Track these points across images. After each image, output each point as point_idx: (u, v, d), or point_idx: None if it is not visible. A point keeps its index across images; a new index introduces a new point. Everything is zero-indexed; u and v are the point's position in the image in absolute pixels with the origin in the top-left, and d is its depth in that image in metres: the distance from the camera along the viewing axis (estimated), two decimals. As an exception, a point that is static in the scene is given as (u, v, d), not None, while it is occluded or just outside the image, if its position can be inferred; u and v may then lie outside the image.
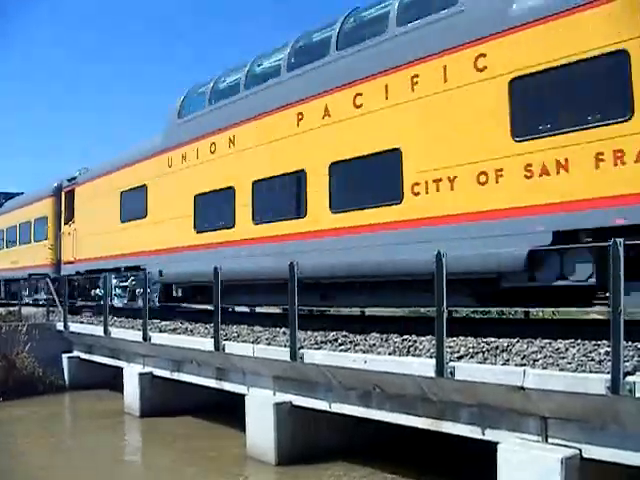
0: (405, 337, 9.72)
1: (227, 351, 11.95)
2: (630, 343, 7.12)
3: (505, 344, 8.29)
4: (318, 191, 11.36)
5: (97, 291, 19.02)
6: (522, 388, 7.24)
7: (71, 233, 21.07)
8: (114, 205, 18.06)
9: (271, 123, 12.53)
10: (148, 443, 13.43)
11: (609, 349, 6.75)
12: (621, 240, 6.68)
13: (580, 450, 7.01)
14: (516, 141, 8.64)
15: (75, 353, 19.41)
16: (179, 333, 14.33)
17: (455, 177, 9.29)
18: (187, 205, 14.70)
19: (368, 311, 14.28)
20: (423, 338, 9.39)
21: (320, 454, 10.52)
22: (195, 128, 14.81)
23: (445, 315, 8.20)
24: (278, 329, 12.05)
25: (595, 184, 7.84)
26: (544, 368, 7.24)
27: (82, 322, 19.25)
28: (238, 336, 12.44)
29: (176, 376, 14.33)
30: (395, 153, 10.12)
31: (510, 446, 7.45)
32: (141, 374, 15.17)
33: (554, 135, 8.23)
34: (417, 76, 9.93)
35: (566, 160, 8.07)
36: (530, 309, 11.13)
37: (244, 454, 11.16)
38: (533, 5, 8.65)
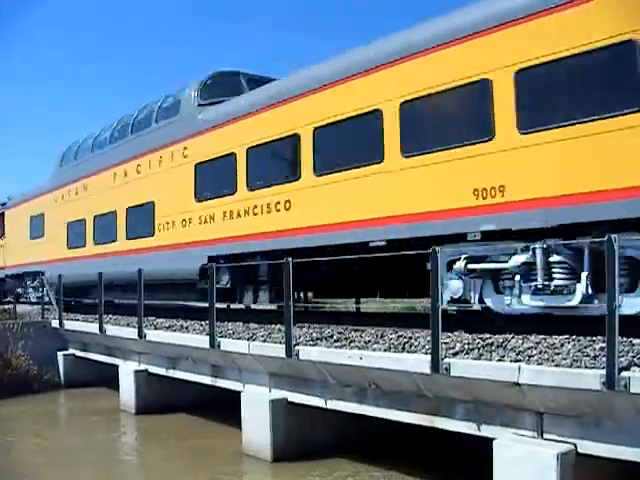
0: (400, 333, 9.71)
1: (222, 348, 11.94)
2: (625, 339, 7.12)
3: (500, 340, 8.29)
4: (121, 225, 17.57)
5: (19, 290, 25.43)
6: (517, 384, 7.25)
7: (3, 245, 27.18)
8: (26, 226, 24.31)
9: (102, 178, 18.82)
10: (143, 441, 13.40)
11: (604, 345, 6.76)
12: (616, 236, 6.70)
13: (575, 445, 7.03)
14: (196, 201, 14.44)
15: (70, 351, 19.38)
16: (174, 330, 14.31)
17: (174, 221, 15.24)
18: (63, 229, 21.09)
19: (363, 308, 14.33)
20: (418, 334, 9.38)
21: (316, 450, 10.53)
22: (67, 176, 21.23)
23: (440, 311, 8.21)
24: (274, 326, 12.03)
25: (222, 230, 13.61)
26: (539, 364, 7.25)
27: (77, 320, 19.22)
28: (233, 333, 12.43)
29: (172, 373, 14.31)
30: (152, 204, 16.10)
31: (505, 442, 7.47)
32: (137, 371, 15.16)
33: (209, 200, 14.04)
34: (162, 156, 15.87)
35: (213, 214, 13.86)
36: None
37: (240, 451, 11.16)
38: (206, 118, 14.49)
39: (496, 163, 8.77)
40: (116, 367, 16.11)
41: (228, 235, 13.41)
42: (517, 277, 8.71)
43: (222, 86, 15.48)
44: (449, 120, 9.53)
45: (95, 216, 18.98)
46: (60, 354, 19.25)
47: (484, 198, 8.90)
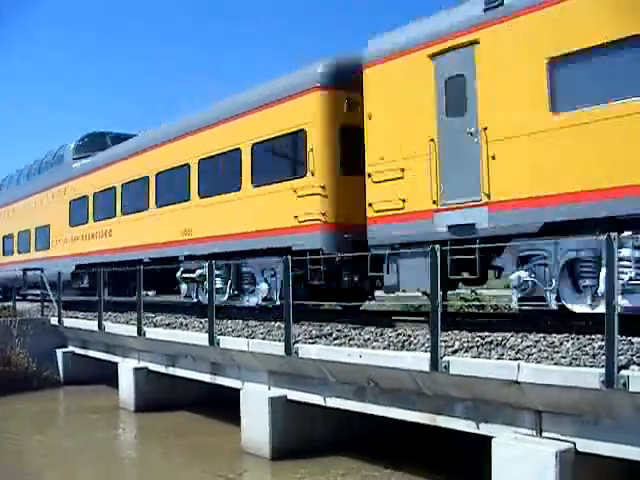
0: (400, 331, 9.72)
1: (222, 346, 11.93)
2: (624, 337, 7.12)
3: (499, 338, 8.29)
4: (33, 240, 24.92)
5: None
6: (516, 382, 7.25)
7: None
8: None
9: (23, 204, 26.22)
10: (142, 439, 13.42)
11: (603, 343, 6.75)
12: (615, 234, 6.71)
13: (574, 444, 7.02)
14: (70, 226, 21.41)
15: (70, 348, 19.38)
16: (174, 328, 14.30)
17: (60, 239, 22.16)
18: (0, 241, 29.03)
19: (363, 306, 14.33)
20: (418, 332, 9.39)
21: (315, 448, 10.52)
22: (3, 200, 28.71)
23: (440, 309, 8.21)
24: (273, 323, 12.03)
25: (82, 247, 20.50)
26: (538, 362, 7.24)
27: (77, 317, 19.22)
28: (233, 331, 12.42)
29: (171, 371, 14.31)
30: (49, 226, 23.28)
31: (504, 440, 7.46)
32: (136, 369, 15.16)
33: (76, 226, 20.95)
34: (54, 193, 22.80)
35: (78, 236, 20.68)
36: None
37: (239, 449, 11.15)
38: (76, 168, 21.43)
39: (189, 214, 14.99)
40: (115, 364, 16.12)
41: (86, 251, 20.20)
42: (205, 283, 13.49)
43: (92, 144, 21.93)
44: (174, 186, 15.79)
45: (19, 232, 26.42)
46: (59, 351, 19.25)
47: (185, 235, 14.99)
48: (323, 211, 11.29)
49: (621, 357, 6.64)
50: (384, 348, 9.10)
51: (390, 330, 9.93)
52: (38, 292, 22.25)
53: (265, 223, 12.51)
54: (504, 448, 7.36)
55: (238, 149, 13.23)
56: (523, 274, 8.79)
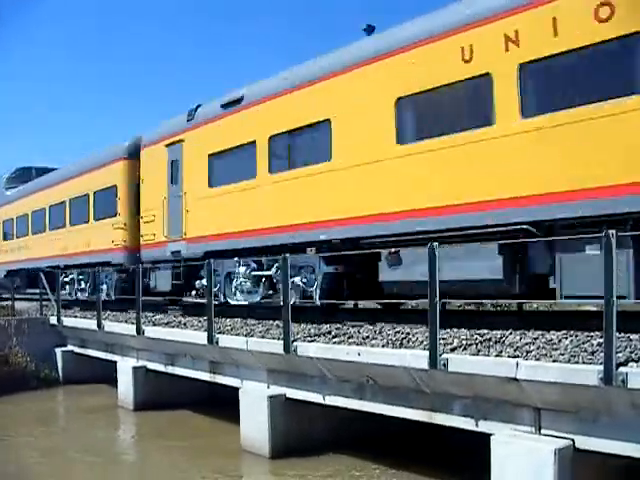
0: (398, 329, 9.70)
1: (221, 344, 11.93)
2: (622, 334, 7.12)
3: (498, 336, 8.29)
4: None
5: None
6: (515, 379, 7.25)
7: None
8: None
9: None
10: (141, 437, 13.39)
11: (602, 340, 6.75)
12: (613, 232, 6.71)
13: (573, 441, 7.03)
14: (3, 240, 27.66)
15: (69, 347, 19.37)
16: (173, 327, 14.28)
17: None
18: None
19: (361, 304, 14.33)
20: (416, 330, 9.38)
21: (314, 447, 10.52)
22: None
23: (438, 307, 8.20)
24: (272, 322, 12.02)
25: (11, 257, 26.78)
26: (537, 359, 7.24)
27: (76, 316, 19.20)
28: (232, 329, 12.41)
29: (170, 370, 14.30)
30: None
31: (503, 438, 7.46)
32: (135, 368, 15.15)
33: (7, 240, 27.28)
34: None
35: (8, 248, 27.05)
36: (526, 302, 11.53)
37: (238, 447, 11.15)
38: (7, 197, 27.22)
39: (65, 237, 21.04)
40: (114, 363, 16.10)
41: (13, 260, 25.93)
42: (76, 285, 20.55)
43: (21, 176, 27.57)
44: (58, 216, 21.72)
45: None
46: (58, 350, 19.23)
47: (63, 251, 21.05)
48: (124, 239, 17.70)
49: (619, 354, 6.65)
50: (383, 346, 9.09)
51: (389, 328, 9.92)
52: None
53: (100, 245, 18.81)
54: (503, 445, 7.36)
55: (87, 194, 19.82)
56: (202, 281, 13.89)
